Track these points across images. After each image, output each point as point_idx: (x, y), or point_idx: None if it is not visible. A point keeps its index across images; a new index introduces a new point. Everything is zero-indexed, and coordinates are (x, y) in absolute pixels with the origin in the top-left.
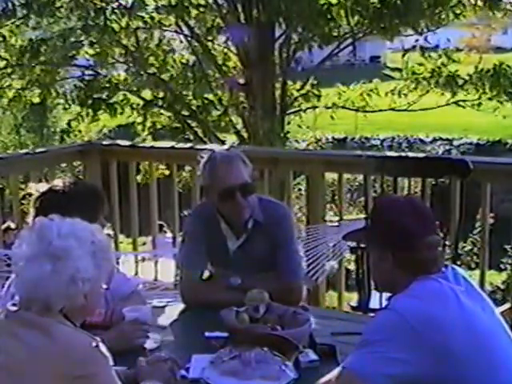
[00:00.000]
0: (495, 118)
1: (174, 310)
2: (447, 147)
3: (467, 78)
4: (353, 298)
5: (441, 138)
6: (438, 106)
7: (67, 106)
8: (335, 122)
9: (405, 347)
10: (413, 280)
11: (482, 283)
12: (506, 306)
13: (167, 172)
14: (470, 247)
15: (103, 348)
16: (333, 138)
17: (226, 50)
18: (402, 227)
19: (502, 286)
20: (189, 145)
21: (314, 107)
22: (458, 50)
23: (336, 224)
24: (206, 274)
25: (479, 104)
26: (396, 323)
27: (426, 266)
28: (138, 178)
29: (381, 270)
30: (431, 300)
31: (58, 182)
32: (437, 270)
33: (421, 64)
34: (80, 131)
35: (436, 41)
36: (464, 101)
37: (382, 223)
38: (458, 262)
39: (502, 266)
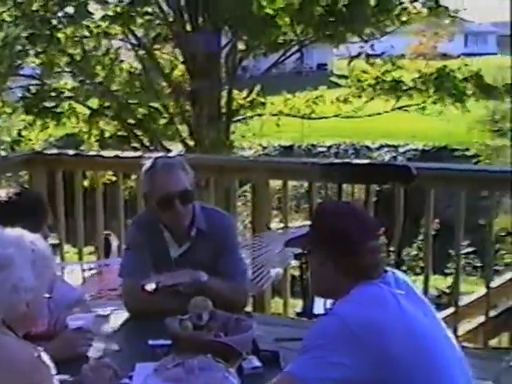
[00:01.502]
0: (440, 124)
1: (118, 319)
2: (393, 154)
3: (412, 83)
4: (298, 304)
5: (387, 145)
6: (385, 112)
7: (12, 115)
8: (282, 130)
9: (345, 352)
10: (354, 285)
11: (426, 288)
12: (450, 310)
13: (114, 178)
14: (415, 252)
15: (45, 357)
16: (279, 145)
17: (172, 58)
18: (344, 233)
19: (448, 291)
20: (134, 153)
21: (260, 115)
22: (405, 56)
23: (281, 231)
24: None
25: (423, 108)
26: (336, 328)
27: (367, 271)
28: (86, 183)
29: (322, 276)
30: (371, 305)
31: (2, 193)
32: (378, 275)
33: (366, 72)
34: (30, 140)
35: (382, 48)
36: (409, 106)
37: (324, 229)
38: (403, 268)
39: (447, 271)
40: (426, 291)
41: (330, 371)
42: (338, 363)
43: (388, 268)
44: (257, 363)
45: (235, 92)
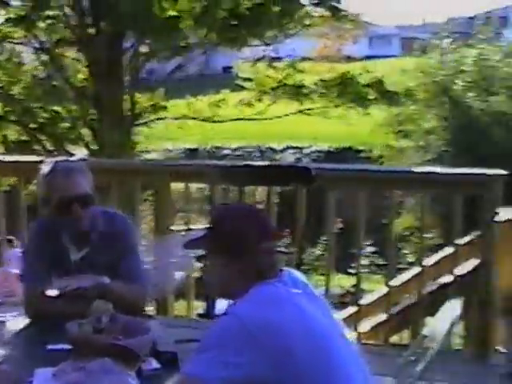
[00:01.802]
0: (342, 126)
1: (17, 325)
2: (298, 155)
3: (314, 87)
4: (202, 305)
5: (292, 147)
6: (285, 115)
7: None
8: (188, 133)
9: (243, 351)
10: (252, 285)
11: (327, 287)
12: (353, 309)
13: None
14: (319, 252)
15: None
16: (185, 148)
17: (76, 62)
18: (242, 234)
19: (353, 290)
20: (36, 158)
21: (163, 118)
22: (310, 59)
23: (183, 233)
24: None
25: (326, 111)
26: (235, 328)
27: (264, 271)
28: None
29: (222, 277)
30: (268, 304)
31: None
32: (274, 274)
33: (268, 76)
34: None
35: (287, 51)
36: (312, 109)
37: (222, 231)
38: (307, 267)
39: (351, 270)
40: (327, 290)
41: (227, 370)
42: (235, 362)
43: (284, 267)
44: (156, 365)
45: (138, 95)
